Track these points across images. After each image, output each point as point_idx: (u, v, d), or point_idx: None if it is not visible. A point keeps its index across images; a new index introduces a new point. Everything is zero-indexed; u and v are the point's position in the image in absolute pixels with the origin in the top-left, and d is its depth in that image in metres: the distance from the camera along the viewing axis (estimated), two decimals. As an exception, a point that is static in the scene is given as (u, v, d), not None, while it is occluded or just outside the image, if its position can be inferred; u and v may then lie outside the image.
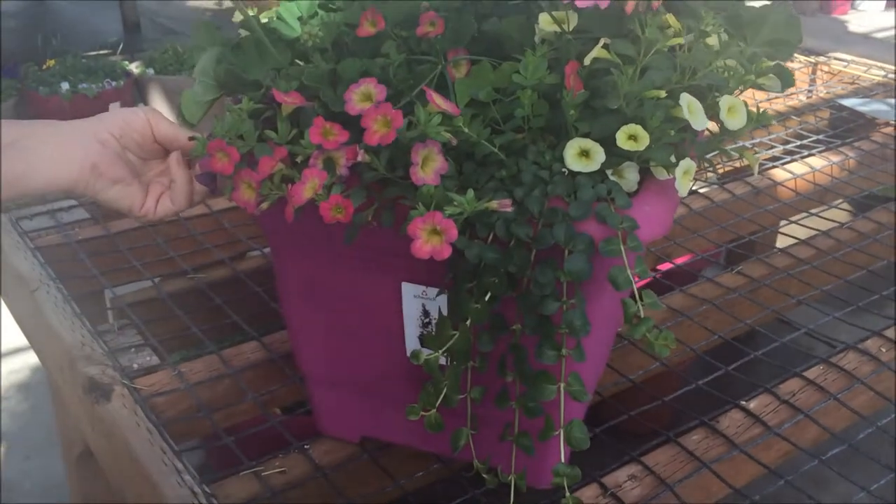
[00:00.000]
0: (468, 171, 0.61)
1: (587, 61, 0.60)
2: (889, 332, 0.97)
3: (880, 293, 1.06)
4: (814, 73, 1.89)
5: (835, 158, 1.41)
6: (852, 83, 1.81)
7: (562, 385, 0.59)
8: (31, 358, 2.08)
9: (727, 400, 0.87)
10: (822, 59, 1.91)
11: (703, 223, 1.25)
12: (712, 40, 0.63)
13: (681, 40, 0.60)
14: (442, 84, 0.65)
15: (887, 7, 5.28)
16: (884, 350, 0.95)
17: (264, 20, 0.74)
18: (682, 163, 0.60)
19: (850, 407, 0.87)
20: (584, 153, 0.59)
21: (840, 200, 1.37)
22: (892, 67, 1.79)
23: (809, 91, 1.84)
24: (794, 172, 1.36)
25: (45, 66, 3.24)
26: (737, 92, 0.65)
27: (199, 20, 0.76)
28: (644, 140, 0.58)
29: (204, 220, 1.23)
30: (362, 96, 0.59)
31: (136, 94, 3.37)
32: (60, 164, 0.69)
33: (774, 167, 1.39)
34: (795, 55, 1.92)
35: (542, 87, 0.60)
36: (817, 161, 1.40)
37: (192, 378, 0.90)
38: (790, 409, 0.86)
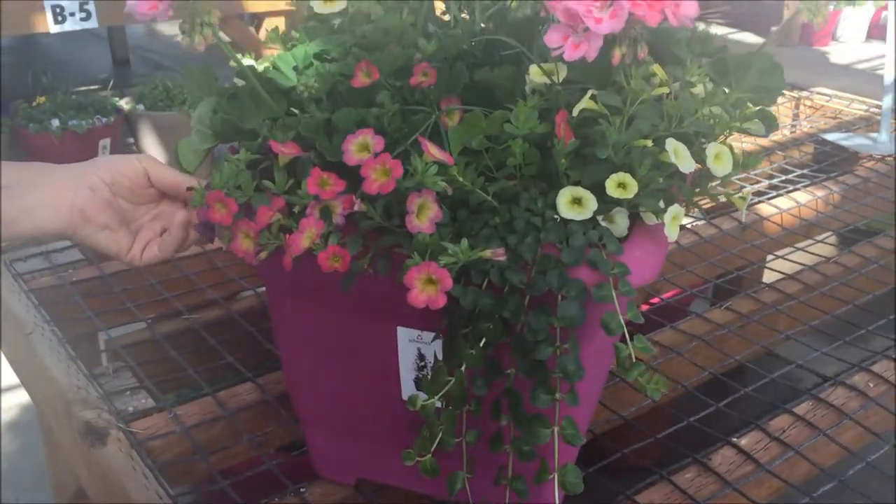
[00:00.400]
0: (462, 218, 0.63)
1: (575, 112, 0.61)
2: (876, 367, 0.99)
3: (866, 328, 1.08)
4: (797, 107, 1.93)
5: (819, 193, 1.44)
6: (835, 117, 1.85)
7: (556, 429, 0.60)
8: (23, 397, 2.07)
9: (719, 437, 0.88)
10: (804, 93, 1.94)
11: (691, 258, 1.27)
12: (698, 88, 0.65)
13: (666, 90, 0.62)
14: (435, 132, 0.66)
15: (867, 38, 5.37)
16: (871, 385, 0.96)
17: (260, 69, 0.75)
18: (670, 208, 0.62)
19: (840, 443, 0.88)
20: (577, 201, 0.61)
21: (826, 234, 1.39)
22: (873, 101, 1.82)
23: (793, 126, 1.87)
24: (780, 207, 1.38)
25: (35, 103, 3.25)
26: (721, 137, 0.67)
27: (191, 64, 0.77)
28: (633, 188, 0.59)
29: (197, 259, 1.24)
30: (359, 147, 0.61)
31: (126, 130, 3.38)
32: (50, 210, 0.71)
33: (760, 202, 1.41)
34: (779, 90, 1.96)
35: (533, 136, 0.62)
36: (802, 196, 1.43)
37: (188, 420, 0.91)
38: (781, 446, 0.87)
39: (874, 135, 1.67)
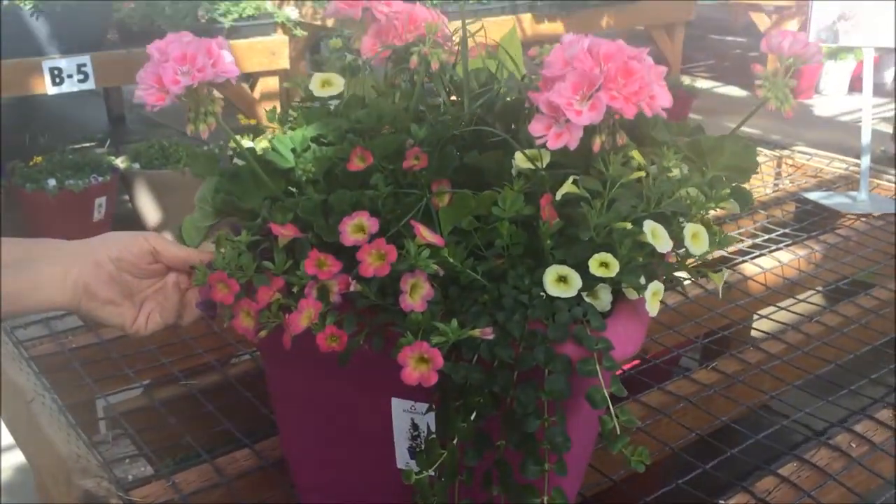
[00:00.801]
0: (453, 295, 0.66)
1: (559, 196, 0.65)
2: (858, 427, 1.01)
3: (848, 387, 1.11)
4: (779, 166, 1.98)
5: (801, 252, 1.48)
6: (815, 176, 1.89)
7: (545, 499, 0.62)
8: (18, 457, 2.06)
9: (706, 500, 0.90)
10: (786, 152, 2.00)
11: (677, 318, 1.30)
12: (674, 171, 0.69)
13: (643, 173, 0.66)
14: (427, 213, 0.70)
15: (850, 91, 5.48)
16: (854, 445, 0.98)
17: (259, 150, 0.79)
18: (650, 285, 0.65)
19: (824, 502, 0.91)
20: (562, 279, 0.64)
21: (808, 293, 1.42)
22: (853, 160, 1.87)
23: (776, 184, 1.92)
24: (763, 266, 1.42)
25: (31, 163, 3.29)
26: (698, 216, 0.70)
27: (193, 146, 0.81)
28: (614, 267, 0.63)
29: (194, 324, 1.26)
30: (355, 228, 0.64)
31: (121, 188, 3.42)
32: (57, 286, 0.74)
33: (744, 261, 1.45)
34: (761, 149, 2.02)
35: (520, 218, 0.65)
36: (784, 255, 1.46)
37: (186, 488, 0.92)
38: (766, 507, 0.89)
39: (854, 193, 1.71)
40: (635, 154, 0.66)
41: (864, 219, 1.62)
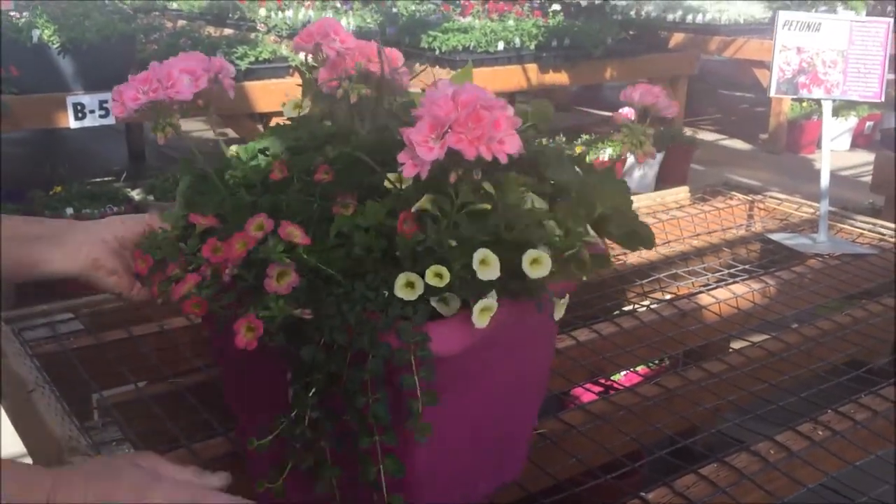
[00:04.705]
0: (316, 286, 0.77)
1: (413, 209, 0.75)
2: (780, 437, 1.11)
3: (777, 403, 1.20)
4: (751, 209, 2.08)
5: (756, 286, 1.58)
6: (784, 220, 2.00)
7: (381, 467, 0.73)
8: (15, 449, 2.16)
9: (629, 491, 1.00)
10: (758, 196, 2.11)
11: (632, 340, 1.40)
12: (528, 204, 0.78)
13: (488, 206, 0.75)
14: (330, 219, 0.80)
15: (851, 147, 5.60)
16: (772, 452, 1.08)
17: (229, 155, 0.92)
18: (480, 301, 0.74)
19: (741, 502, 1.00)
20: (410, 284, 0.74)
21: (758, 323, 1.52)
22: (817, 205, 1.98)
23: (748, 226, 2.03)
24: (718, 297, 1.52)
25: (51, 192, 3.45)
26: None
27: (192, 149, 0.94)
28: (446, 278, 0.73)
29: (185, 332, 1.38)
30: (257, 227, 0.76)
31: (135, 218, 3.58)
32: (69, 260, 0.91)
33: (700, 293, 1.55)
34: (734, 193, 2.13)
35: (385, 229, 0.75)
36: (740, 288, 1.57)
37: (164, 467, 1.03)
38: (684, 500, 0.98)
39: (814, 235, 1.82)
40: (486, 186, 0.75)
41: (820, 258, 1.72)
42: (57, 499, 0.71)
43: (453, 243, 0.73)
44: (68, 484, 0.73)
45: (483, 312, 0.74)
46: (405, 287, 0.74)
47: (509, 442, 0.98)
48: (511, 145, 0.72)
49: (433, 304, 0.75)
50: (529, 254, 0.75)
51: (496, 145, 0.71)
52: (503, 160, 0.72)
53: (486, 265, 0.73)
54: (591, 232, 0.80)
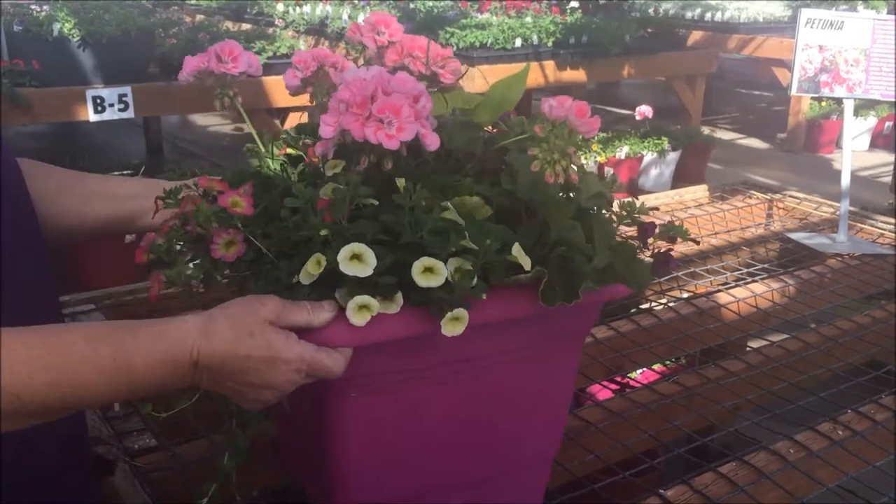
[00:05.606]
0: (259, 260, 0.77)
1: (321, 195, 0.75)
2: (799, 437, 1.11)
3: (796, 403, 1.20)
4: (770, 208, 2.08)
5: (775, 285, 1.57)
6: (803, 219, 1.99)
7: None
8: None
9: (647, 488, 1.00)
10: (777, 196, 2.10)
11: (650, 338, 1.40)
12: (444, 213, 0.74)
13: (375, 202, 0.74)
14: None
15: (871, 147, 5.55)
16: (792, 451, 1.07)
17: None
18: (355, 298, 0.72)
19: (760, 501, 0.99)
20: (318, 264, 0.72)
21: (777, 322, 1.51)
22: (837, 205, 1.97)
23: (767, 225, 2.02)
24: (736, 296, 1.52)
25: (71, 185, 3.48)
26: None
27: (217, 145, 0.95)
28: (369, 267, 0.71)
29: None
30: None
31: (153, 212, 3.60)
32: (162, 213, 0.87)
33: (719, 291, 1.55)
34: (753, 192, 2.12)
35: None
36: (759, 287, 1.56)
37: (186, 458, 1.04)
38: (702, 498, 0.98)
39: (834, 235, 1.81)
40: (399, 182, 0.73)
41: (839, 258, 1.72)
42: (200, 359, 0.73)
43: (323, 233, 0.72)
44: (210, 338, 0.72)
45: (359, 310, 0.72)
46: (315, 266, 0.72)
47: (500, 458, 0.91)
48: (407, 133, 0.70)
49: (336, 296, 0.73)
50: (421, 262, 0.72)
51: (392, 130, 0.70)
52: (391, 146, 0.71)
53: (361, 262, 0.70)
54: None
